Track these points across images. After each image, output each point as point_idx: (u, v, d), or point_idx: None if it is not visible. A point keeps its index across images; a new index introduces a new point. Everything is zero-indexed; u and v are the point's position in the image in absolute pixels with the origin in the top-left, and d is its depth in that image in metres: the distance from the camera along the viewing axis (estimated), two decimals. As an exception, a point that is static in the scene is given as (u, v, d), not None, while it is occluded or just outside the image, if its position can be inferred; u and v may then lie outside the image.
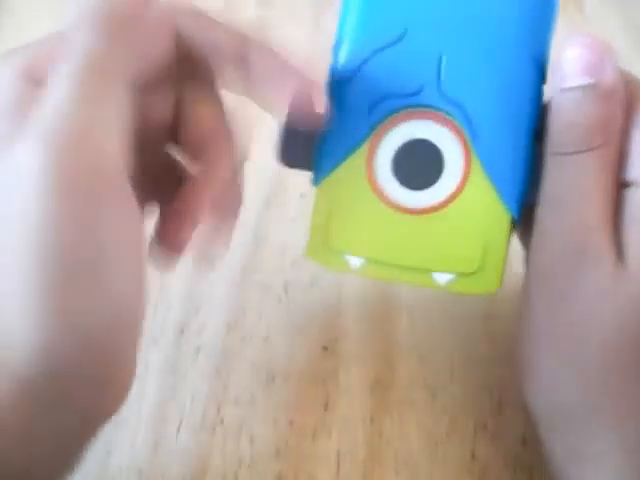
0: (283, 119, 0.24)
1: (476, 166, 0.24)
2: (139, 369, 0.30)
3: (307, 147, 0.24)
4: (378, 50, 0.23)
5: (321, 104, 0.22)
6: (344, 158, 0.24)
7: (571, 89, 0.22)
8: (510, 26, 0.23)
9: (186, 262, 0.33)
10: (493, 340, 0.31)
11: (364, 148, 0.24)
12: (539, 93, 0.23)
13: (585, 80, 0.21)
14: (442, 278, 0.24)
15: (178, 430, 0.28)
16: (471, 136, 0.23)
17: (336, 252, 0.25)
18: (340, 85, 0.23)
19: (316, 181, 0.24)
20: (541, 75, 0.23)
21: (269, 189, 0.35)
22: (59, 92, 0.19)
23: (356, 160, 0.24)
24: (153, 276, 0.32)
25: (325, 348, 0.31)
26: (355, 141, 0.24)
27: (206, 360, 0.30)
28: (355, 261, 0.25)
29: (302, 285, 0.32)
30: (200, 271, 0.32)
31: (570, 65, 0.22)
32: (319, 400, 0.29)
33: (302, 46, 0.39)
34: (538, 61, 0.23)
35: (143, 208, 0.23)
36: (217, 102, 0.25)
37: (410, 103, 0.23)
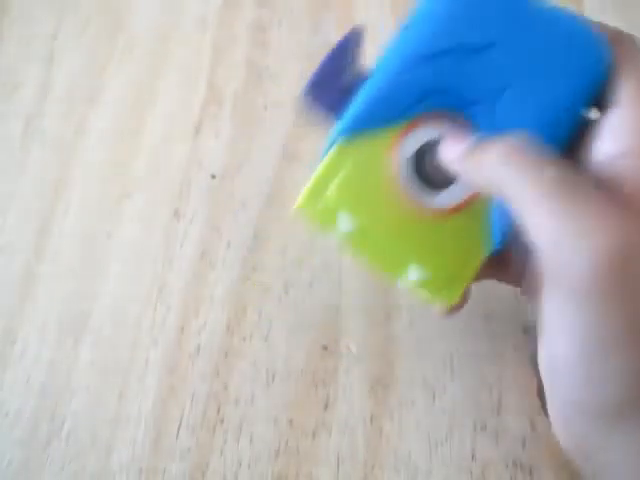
0: (331, 51, 0.24)
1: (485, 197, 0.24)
2: (139, 369, 0.30)
3: (339, 91, 0.24)
4: (458, 46, 0.23)
5: None
6: (374, 128, 0.24)
7: None
8: (565, 78, 0.23)
9: (186, 262, 0.33)
10: (493, 339, 0.31)
11: (395, 129, 0.24)
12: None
13: None
14: (414, 274, 0.25)
15: (178, 430, 0.29)
16: None
17: (330, 209, 0.24)
18: (409, 58, 0.23)
19: (341, 132, 0.24)
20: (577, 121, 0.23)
21: (269, 189, 0.35)
22: None
23: (383, 138, 0.24)
24: (153, 276, 0.32)
25: (325, 348, 0.31)
26: (392, 118, 0.24)
27: (206, 360, 0.30)
28: (345, 224, 0.24)
29: (302, 285, 0.32)
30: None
31: None
32: (319, 400, 0.29)
33: (301, 46, 0.39)
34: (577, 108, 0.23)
35: None
36: None
37: (458, 108, 0.24)
